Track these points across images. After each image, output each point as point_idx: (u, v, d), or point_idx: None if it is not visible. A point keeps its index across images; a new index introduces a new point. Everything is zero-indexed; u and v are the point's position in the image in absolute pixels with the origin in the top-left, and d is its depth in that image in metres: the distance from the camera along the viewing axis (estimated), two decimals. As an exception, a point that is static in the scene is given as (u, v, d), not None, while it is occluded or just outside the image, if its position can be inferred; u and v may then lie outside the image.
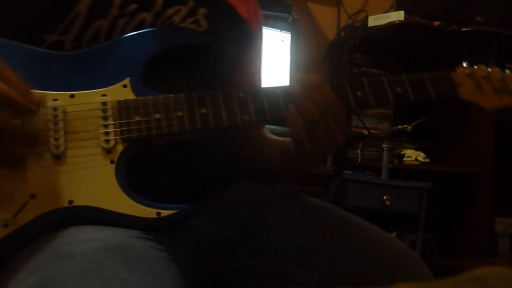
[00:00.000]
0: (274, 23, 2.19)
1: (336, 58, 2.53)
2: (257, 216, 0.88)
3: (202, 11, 0.87)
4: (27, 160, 0.72)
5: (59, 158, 0.74)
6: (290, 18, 2.24)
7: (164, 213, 0.75)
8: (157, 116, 0.77)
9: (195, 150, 0.85)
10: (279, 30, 2.24)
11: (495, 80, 0.89)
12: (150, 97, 0.78)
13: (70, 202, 0.73)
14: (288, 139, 0.88)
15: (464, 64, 0.90)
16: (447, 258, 2.24)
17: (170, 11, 0.84)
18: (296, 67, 2.27)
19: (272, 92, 0.82)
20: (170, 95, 0.78)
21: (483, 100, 0.89)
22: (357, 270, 0.82)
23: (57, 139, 0.74)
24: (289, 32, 2.26)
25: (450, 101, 0.88)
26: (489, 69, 0.90)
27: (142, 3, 0.82)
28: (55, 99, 0.75)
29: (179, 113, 0.78)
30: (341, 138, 0.82)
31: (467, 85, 0.88)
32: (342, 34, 2.48)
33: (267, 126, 1.06)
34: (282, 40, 2.25)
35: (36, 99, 0.71)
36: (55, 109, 0.74)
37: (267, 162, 0.97)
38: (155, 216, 0.74)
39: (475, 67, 0.89)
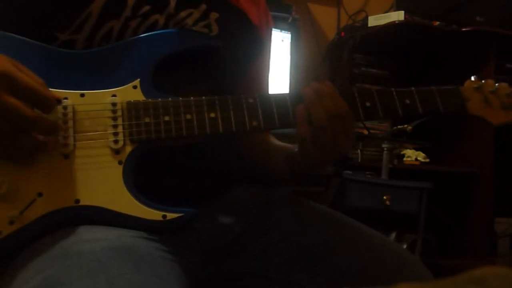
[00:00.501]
0: (274, 23, 2.19)
1: (336, 58, 2.53)
2: (261, 219, 0.89)
3: (214, 15, 0.87)
4: (35, 157, 0.72)
5: (67, 157, 0.74)
6: (290, 18, 2.24)
7: (170, 216, 0.75)
8: (167, 118, 0.77)
9: (202, 153, 0.85)
10: (279, 30, 2.24)
11: (502, 95, 0.89)
12: (159, 99, 0.78)
13: (77, 201, 0.73)
14: (292, 146, 0.88)
15: (472, 78, 0.90)
16: (447, 258, 2.25)
17: (183, 14, 0.84)
18: (296, 67, 2.27)
19: (282, 98, 0.82)
20: (180, 98, 0.78)
21: (490, 115, 0.88)
22: (358, 272, 0.82)
23: (66, 138, 0.74)
24: (289, 32, 2.26)
25: (457, 115, 0.88)
26: (497, 84, 0.89)
27: (155, 5, 0.82)
28: (65, 97, 0.75)
29: (188, 117, 0.78)
30: (346, 147, 0.82)
31: (474, 100, 0.88)
32: (342, 34, 2.49)
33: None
34: (282, 40, 2.26)
35: (55, 94, 0.72)
36: (64, 107, 0.75)
37: (273, 166, 0.97)
38: (160, 218, 0.74)
39: (483, 81, 0.89)
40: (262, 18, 1.00)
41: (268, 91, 1.07)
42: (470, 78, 0.91)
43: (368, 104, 0.84)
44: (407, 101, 0.85)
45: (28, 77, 0.68)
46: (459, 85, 0.89)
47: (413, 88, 0.86)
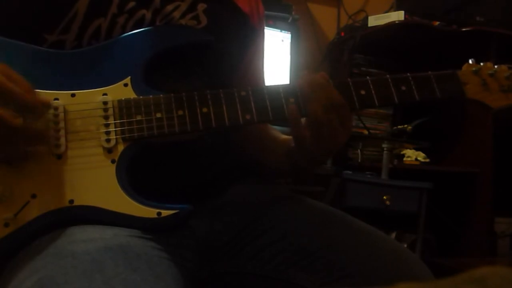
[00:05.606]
0: (274, 23, 2.19)
1: (336, 58, 2.53)
2: (259, 218, 0.88)
3: (201, 6, 0.86)
4: (28, 159, 0.72)
5: (60, 157, 0.74)
6: (290, 18, 2.24)
7: (165, 213, 0.75)
8: (158, 115, 0.77)
9: (197, 150, 0.85)
10: (279, 30, 2.24)
11: (501, 78, 0.87)
12: (151, 96, 0.77)
13: (71, 201, 0.73)
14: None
15: (470, 61, 0.88)
16: (447, 258, 2.24)
17: (169, 7, 0.84)
18: (296, 67, 2.27)
19: (275, 91, 0.81)
20: (171, 94, 0.78)
21: (489, 99, 0.87)
22: (358, 271, 0.82)
23: (58, 139, 0.74)
24: (289, 32, 2.26)
25: (455, 99, 0.87)
26: (496, 67, 0.88)
27: (140, 0, 0.82)
28: (56, 98, 0.75)
29: (181, 112, 0.77)
30: (344, 139, 0.81)
31: (473, 83, 0.87)
32: (342, 34, 2.48)
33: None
34: (282, 40, 2.25)
35: (42, 99, 0.72)
36: (56, 108, 0.74)
37: (273, 159, 0.97)
38: (155, 216, 0.74)
39: (481, 64, 0.88)
40: (253, 6, 0.99)
41: (264, 81, 1.06)
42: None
43: (363, 92, 0.83)
44: (403, 88, 0.84)
45: (16, 83, 0.68)
46: (456, 70, 0.87)
47: (409, 74, 0.85)
